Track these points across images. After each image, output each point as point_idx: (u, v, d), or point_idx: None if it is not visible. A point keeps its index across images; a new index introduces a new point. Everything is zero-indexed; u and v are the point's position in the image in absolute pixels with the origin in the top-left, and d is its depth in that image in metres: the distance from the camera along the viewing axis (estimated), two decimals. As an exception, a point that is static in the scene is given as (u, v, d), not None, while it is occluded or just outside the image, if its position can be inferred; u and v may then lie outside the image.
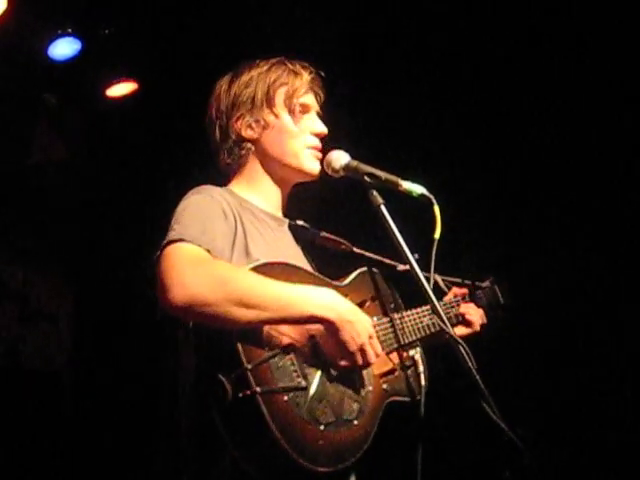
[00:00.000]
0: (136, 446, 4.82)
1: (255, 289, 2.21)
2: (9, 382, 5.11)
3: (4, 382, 5.09)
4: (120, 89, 4.94)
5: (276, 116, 2.62)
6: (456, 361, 2.28)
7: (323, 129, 2.68)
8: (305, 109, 2.67)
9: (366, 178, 2.53)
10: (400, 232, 2.43)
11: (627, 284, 4.02)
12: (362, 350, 2.30)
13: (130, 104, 4.97)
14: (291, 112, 2.63)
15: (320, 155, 2.67)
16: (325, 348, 2.34)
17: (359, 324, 2.30)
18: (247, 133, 2.62)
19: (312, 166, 2.64)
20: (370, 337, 2.33)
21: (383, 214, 2.47)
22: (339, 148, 2.63)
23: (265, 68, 2.65)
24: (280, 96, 2.63)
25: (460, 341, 2.33)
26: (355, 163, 2.57)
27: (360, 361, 2.31)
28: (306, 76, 2.66)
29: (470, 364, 2.26)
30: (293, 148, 2.62)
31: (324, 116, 2.74)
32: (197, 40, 4.59)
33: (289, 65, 2.67)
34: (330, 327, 2.28)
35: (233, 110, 2.62)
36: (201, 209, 2.40)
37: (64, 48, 4.60)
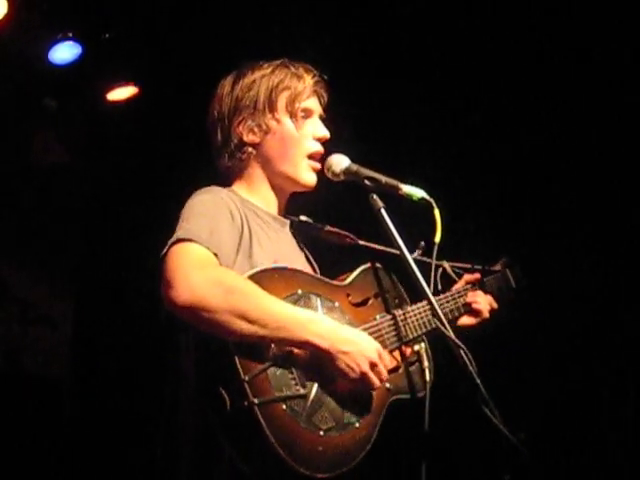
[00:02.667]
0: (137, 451, 4.81)
1: (259, 305, 2.21)
2: (9, 386, 5.11)
3: (4, 386, 5.08)
4: (121, 93, 4.93)
5: (278, 121, 2.61)
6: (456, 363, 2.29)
7: (325, 133, 2.67)
8: (308, 113, 2.66)
9: (366, 182, 2.53)
10: (400, 235, 2.44)
11: (629, 283, 4.01)
12: (364, 378, 2.29)
13: (131, 108, 4.97)
14: (293, 117, 2.62)
15: (319, 166, 2.65)
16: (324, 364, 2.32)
17: (357, 354, 2.28)
18: (249, 137, 2.61)
19: (308, 178, 2.64)
20: (374, 365, 2.30)
21: (383, 218, 2.47)
22: (339, 152, 2.63)
23: (268, 71, 2.63)
24: (282, 100, 2.61)
25: (460, 344, 2.32)
26: (355, 167, 2.57)
27: (362, 388, 2.32)
28: (309, 79, 2.65)
29: (470, 367, 2.25)
30: (292, 155, 2.61)
31: (328, 117, 2.73)
32: (198, 43, 4.59)
33: (292, 68, 2.65)
34: (325, 356, 2.27)
35: (235, 113, 2.61)
36: (209, 209, 2.40)
37: (65, 52, 4.59)
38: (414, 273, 2.39)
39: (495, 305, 2.92)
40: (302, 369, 2.28)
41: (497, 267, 3.11)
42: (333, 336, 2.27)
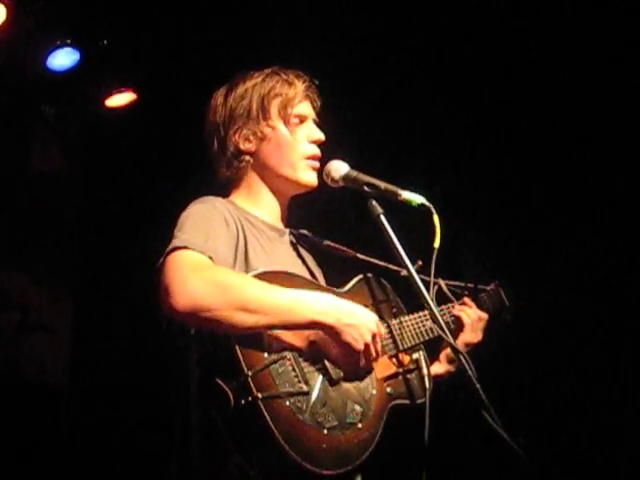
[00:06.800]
0: (137, 458, 4.81)
1: (257, 294, 2.24)
2: (8, 393, 5.10)
3: (3, 393, 5.08)
4: (119, 99, 4.93)
5: (272, 128, 2.64)
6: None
7: (320, 136, 2.70)
8: (301, 119, 2.69)
9: (365, 188, 2.55)
10: (400, 241, 2.45)
11: (630, 289, 4.01)
12: (367, 350, 2.34)
13: (129, 114, 4.97)
14: (286, 123, 2.65)
15: (317, 165, 2.69)
16: (326, 353, 2.37)
17: (361, 326, 2.33)
18: (245, 146, 2.65)
19: (308, 177, 2.66)
20: (374, 336, 2.36)
21: (382, 223, 2.49)
22: (338, 158, 2.64)
23: (260, 79, 2.67)
24: (275, 107, 2.65)
25: (459, 349, 2.37)
26: (354, 173, 2.59)
27: (363, 361, 2.35)
28: (300, 85, 2.68)
29: (470, 372, 2.27)
30: (290, 159, 2.64)
31: (323, 122, 2.75)
32: (196, 50, 4.60)
33: (282, 75, 2.68)
34: (330, 332, 2.31)
35: (230, 123, 2.65)
36: (204, 217, 2.44)
37: (63, 59, 4.59)
38: (413, 278, 2.40)
39: (484, 318, 2.93)
40: (305, 362, 2.32)
41: (490, 287, 3.15)
42: (337, 311, 2.32)
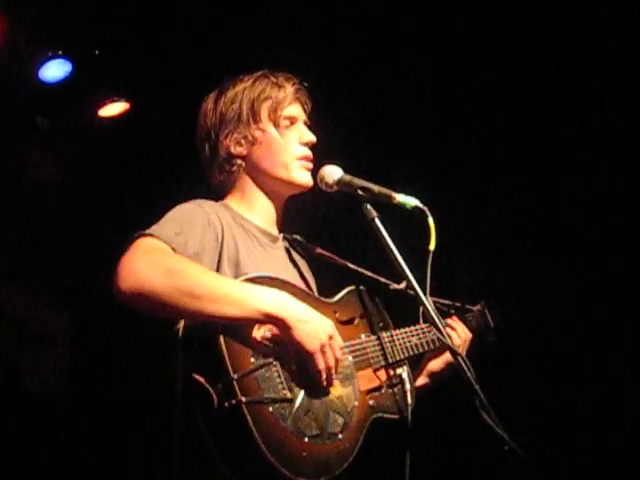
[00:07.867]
0: (137, 469, 4.80)
1: (208, 282, 2.20)
2: (8, 405, 5.10)
3: (3, 405, 5.07)
4: (112, 109, 4.94)
5: (263, 131, 2.65)
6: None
7: (311, 137, 2.70)
8: (292, 120, 2.69)
9: (359, 192, 2.55)
10: (395, 245, 2.45)
11: (627, 306, 4.02)
12: (322, 351, 2.26)
13: (123, 124, 4.98)
14: (277, 125, 2.65)
15: (310, 165, 2.68)
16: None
17: (316, 325, 2.25)
18: (236, 150, 2.65)
19: (302, 177, 2.66)
20: (330, 337, 2.28)
21: (377, 227, 2.49)
22: (332, 163, 2.64)
23: (249, 83, 2.68)
24: (265, 110, 2.65)
25: (458, 351, 2.36)
26: (348, 177, 2.59)
27: (321, 363, 2.26)
28: (289, 88, 2.68)
29: (469, 374, 2.27)
30: (282, 161, 2.64)
31: (316, 125, 2.75)
32: (188, 58, 4.60)
33: (272, 78, 2.69)
34: (283, 326, 2.23)
35: (221, 127, 2.65)
36: (184, 214, 2.42)
37: (55, 70, 4.60)
38: (411, 283, 2.40)
39: (469, 339, 2.93)
40: (290, 370, 2.29)
41: (477, 307, 3.16)
42: (291, 307, 2.25)
